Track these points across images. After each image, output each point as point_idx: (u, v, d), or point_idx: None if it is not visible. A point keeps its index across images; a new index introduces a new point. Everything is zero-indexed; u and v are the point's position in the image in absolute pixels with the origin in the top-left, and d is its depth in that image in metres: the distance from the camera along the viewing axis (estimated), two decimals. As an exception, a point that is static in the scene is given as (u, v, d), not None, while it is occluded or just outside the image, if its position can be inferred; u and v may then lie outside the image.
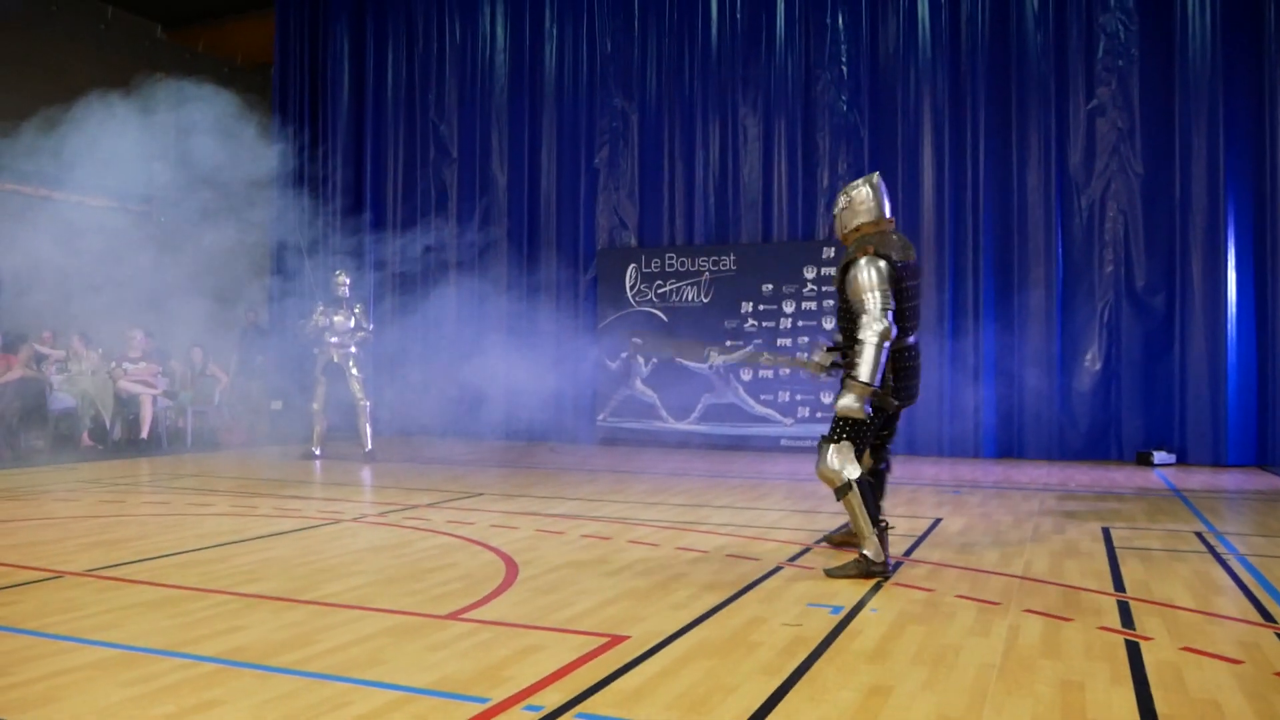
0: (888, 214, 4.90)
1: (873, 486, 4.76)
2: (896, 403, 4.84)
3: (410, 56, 14.09)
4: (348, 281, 10.61)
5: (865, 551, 4.56)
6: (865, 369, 4.58)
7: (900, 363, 4.83)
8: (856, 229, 4.88)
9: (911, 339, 4.90)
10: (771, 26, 11.97)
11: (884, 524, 4.66)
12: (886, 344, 4.63)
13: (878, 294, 4.66)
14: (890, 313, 4.66)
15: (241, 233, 11.83)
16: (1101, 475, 9.16)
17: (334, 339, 10.31)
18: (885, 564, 4.58)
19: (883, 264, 4.68)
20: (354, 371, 10.35)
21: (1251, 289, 10.09)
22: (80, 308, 11.12)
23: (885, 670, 3.16)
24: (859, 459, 4.72)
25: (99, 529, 5.86)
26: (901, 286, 4.74)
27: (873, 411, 4.71)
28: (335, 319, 10.39)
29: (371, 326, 10.83)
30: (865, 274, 4.67)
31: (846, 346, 4.84)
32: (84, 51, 13.65)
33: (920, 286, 4.98)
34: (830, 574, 4.60)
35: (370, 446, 10.35)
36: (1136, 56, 10.49)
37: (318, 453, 10.35)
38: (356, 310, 10.59)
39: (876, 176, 4.99)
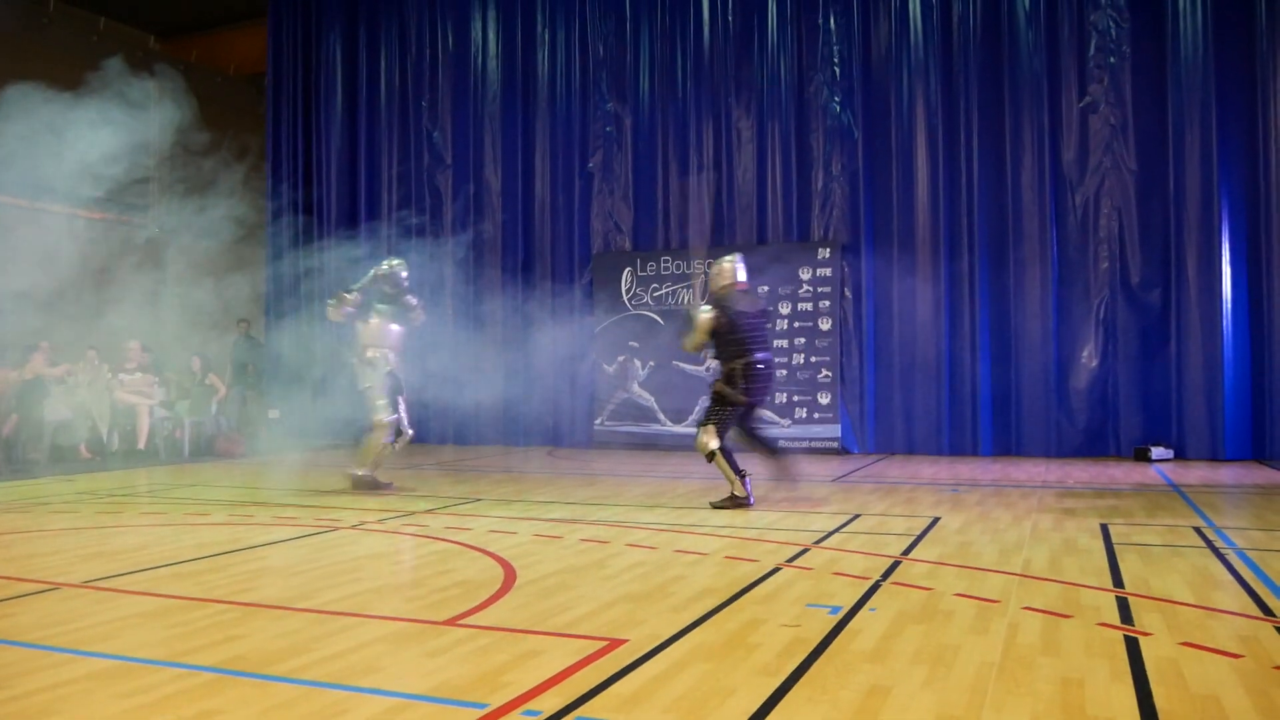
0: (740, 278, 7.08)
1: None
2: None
3: (403, 64, 14.08)
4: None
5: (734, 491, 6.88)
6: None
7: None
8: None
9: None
10: (763, 28, 11.98)
11: (744, 473, 6.90)
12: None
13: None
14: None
15: (236, 241, 11.81)
16: (1099, 472, 9.16)
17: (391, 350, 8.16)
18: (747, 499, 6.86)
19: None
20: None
21: (1246, 283, 10.11)
22: (76, 319, 11.10)
23: (885, 670, 3.15)
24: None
25: (96, 540, 5.84)
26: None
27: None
28: (394, 325, 8.15)
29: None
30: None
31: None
32: (77, 63, 13.64)
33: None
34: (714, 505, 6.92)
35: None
36: (1128, 53, 10.52)
37: (388, 482, 8.18)
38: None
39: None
